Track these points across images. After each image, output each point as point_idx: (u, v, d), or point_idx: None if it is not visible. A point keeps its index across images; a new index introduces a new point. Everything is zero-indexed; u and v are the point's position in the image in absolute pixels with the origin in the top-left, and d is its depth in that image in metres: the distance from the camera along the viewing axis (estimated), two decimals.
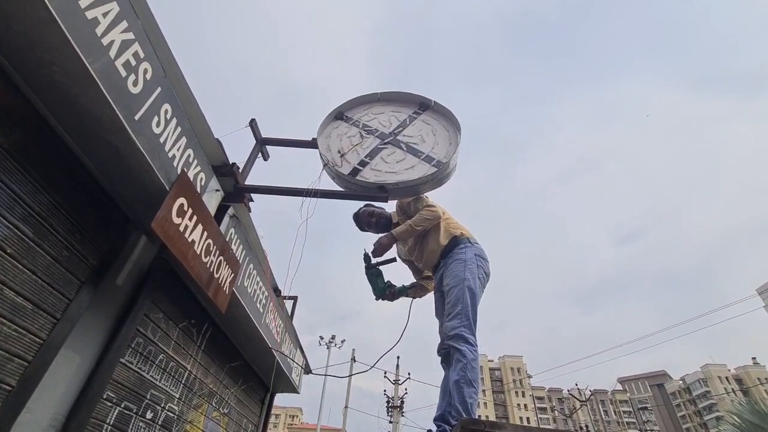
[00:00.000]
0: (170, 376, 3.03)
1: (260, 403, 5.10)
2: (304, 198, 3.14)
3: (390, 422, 20.35)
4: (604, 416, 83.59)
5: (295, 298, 6.60)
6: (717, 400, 67.18)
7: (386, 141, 3.44)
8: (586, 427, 24.93)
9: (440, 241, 2.78)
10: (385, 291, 3.01)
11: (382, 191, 3.12)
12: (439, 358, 2.52)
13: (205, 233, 2.61)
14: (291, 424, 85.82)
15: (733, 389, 68.20)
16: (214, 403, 3.79)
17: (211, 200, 2.82)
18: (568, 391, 27.71)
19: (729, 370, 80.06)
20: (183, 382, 3.23)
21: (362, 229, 3.30)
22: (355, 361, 23.66)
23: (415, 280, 3.25)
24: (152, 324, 2.79)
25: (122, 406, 2.50)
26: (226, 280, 2.97)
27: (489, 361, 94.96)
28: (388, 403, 21.15)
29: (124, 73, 1.85)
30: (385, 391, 22.29)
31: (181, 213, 2.33)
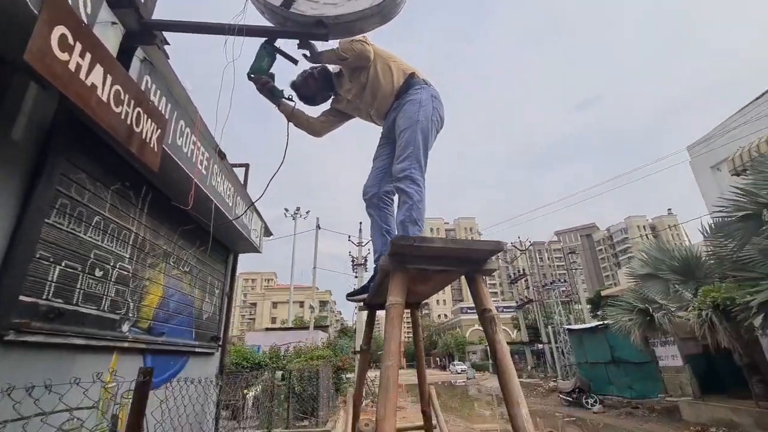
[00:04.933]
0: (113, 237, 2.96)
1: (224, 263, 5.34)
2: (228, 37, 2.66)
3: (355, 277, 22.77)
4: (539, 263, 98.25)
5: (246, 166, 6.37)
6: (632, 244, 79.31)
7: None
8: (523, 270, 29.67)
9: (394, 83, 2.53)
10: (262, 73, 2.57)
11: (320, 27, 2.68)
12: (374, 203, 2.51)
13: (110, 77, 2.21)
14: (267, 286, 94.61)
15: (647, 235, 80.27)
16: (172, 263, 3.88)
17: (108, 36, 2.32)
18: (512, 243, 31.83)
19: (647, 220, 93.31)
20: (131, 243, 3.19)
21: (309, 100, 2.85)
22: (320, 228, 24.98)
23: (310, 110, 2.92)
24: (75, 185, 2.57)
25: (63, 264, 2.45)
26: (151, 136, 2.68)
27: (445, 223, 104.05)
28: (353, 262, 23.31)
29: None
30: (350, 252, 24.32)
31: (65, 47, 1.90)
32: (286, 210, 30.40)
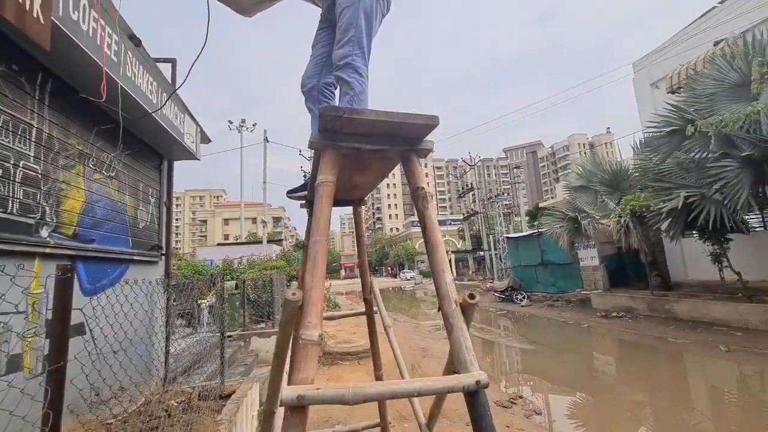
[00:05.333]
0: (7, 131, 2.54)
1: (157, 170, 4.94)
2: None
3: None
4: (487, 178, 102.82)
5: (172, 61, 5.59)
6: (572, 161, 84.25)
7: None
8: (472, 184, 30.97)
9: None
10: None
11: None
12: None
13: None
14: (217, 203, 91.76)
15: (585, 152, 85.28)
16: (92, 166, 3.49)
17: None
18: (462, 158, 32.58)
19: (587, 138, 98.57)
20: (33, 140, 2.77)
21: None
22: (268, 141, 23.72)
23: None
24: None
25: None
26: (32, 4, 2.17)
27: None
28: (305, 177, 22.88)
29: None
30: (302, 167, 23.69)
31: None
32: (230, 122, 28.28)
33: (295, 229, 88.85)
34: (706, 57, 12.10)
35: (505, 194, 32.45)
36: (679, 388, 6.90)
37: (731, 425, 5.31)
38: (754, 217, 11.58)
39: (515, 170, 36.25)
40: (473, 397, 0.97)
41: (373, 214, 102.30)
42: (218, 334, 4.90)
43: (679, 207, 9.78)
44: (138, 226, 4.32)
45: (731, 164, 9.05)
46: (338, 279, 53.69)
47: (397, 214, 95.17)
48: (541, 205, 35.08)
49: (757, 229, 11.75)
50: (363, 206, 2.38)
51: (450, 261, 45.07)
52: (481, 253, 29.02)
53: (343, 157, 1.35)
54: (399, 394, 1.00)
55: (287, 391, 0.89)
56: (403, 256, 62.70)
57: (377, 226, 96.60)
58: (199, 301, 8.77)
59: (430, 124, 1.18)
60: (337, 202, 2.30)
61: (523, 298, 17.82)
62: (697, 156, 10.57)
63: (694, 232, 10.73)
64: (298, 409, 0.89)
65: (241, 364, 7.14)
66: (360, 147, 1.23)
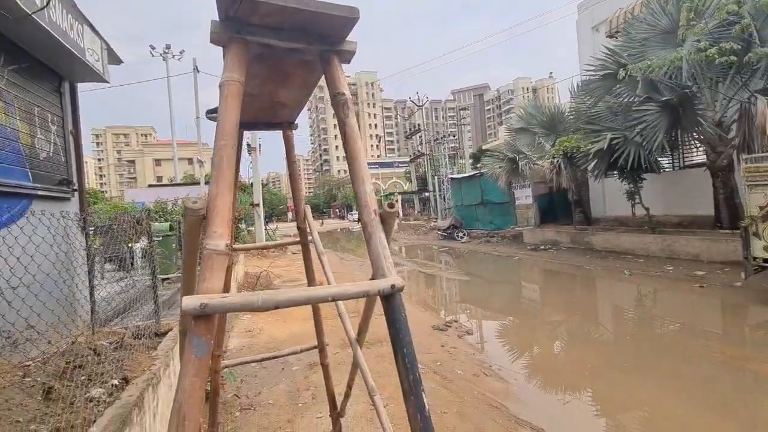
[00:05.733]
0: None
1: (56, 93, 4.23)
2: None
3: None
4: (435, 120, 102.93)
5: None
6: (515, 105, 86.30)
7: None
8: (419, 125, 30.82)
9: None
10: None
11: None
12: None
13: None
14: (145, 142, 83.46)
15: (529, 96, 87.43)
16: None
17: None
18: (410, 98, 32.04)
19: (531, 83, 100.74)
20: None
21: None
22: (198, 71, 21.38)
23: None
24: None
25: None
26: None
27: (347, 77, 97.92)
28: None
29: None
30: None
31: None
32: (152, 48, 24.85)
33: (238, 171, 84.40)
34: (644, 1, 12.42)
35: (452, 136, 32.87)
36: (590, 307, 7.94)
37: (626, 336, 6.27)
38: (665, 158, 12.86)
39: (461, 112, 36.42)
40: (389, 300, 0.98)
41: (320, 155, 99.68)
42: (151, 276, 4.66)
43: (605, 148, 10.54)
44: (38, 157, 3.77)
45: (652, 108, 9.76)
46: (285, 222, 53.01)
47: (345, 156, 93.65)
48: (484, 147, 36.15)
49: (667, 170, 13.13)
50: (293, 130, 2.23)
51: (396, 202, 45.87)
52: (427, 194, 29.84)
53: (256, 60, 1.19)
54: (313, 299, 0.98)
55: (189, 300, 0.83)
56: (351, 198, 62.87)
57: (325, 168, 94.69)
58: (130, 245, 8.22)
59: (350, 17, 1.05)
60: (264, 125, 2.13)
61: (464, 235, 18.90)
62: (625, 100, 11.24)
63: (615, 172, 11.74)
64: (202, 318, 0.84)
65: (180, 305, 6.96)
66: (271, 43, 1.08)
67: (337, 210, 70.46)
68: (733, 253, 8.02)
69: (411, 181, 35.47)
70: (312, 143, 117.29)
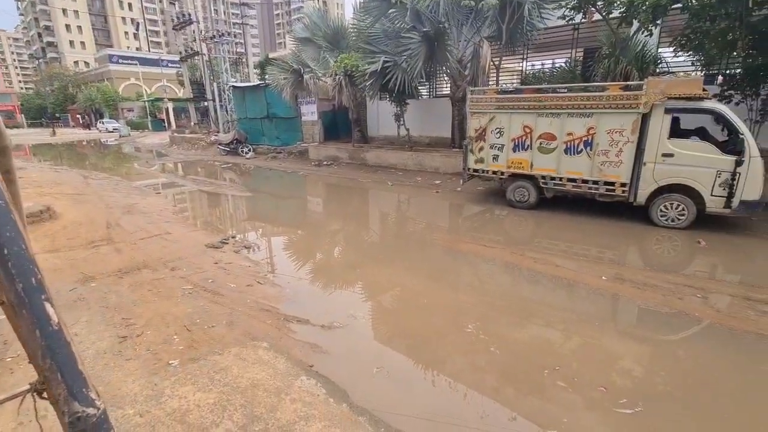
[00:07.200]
0: None
1: None
2: None
3: None
4: (214, 13, 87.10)
5: None
6: (304, 14, 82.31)
7: None
8: (190, 15, 25.09)
9: None
10: None
11: None
12: None
13: None
14: None
15: (318, 6, 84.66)
16: None
17: None
18: None
19: None
20: None
21: None
22: None
23: None
24: None
25: None
26: None
27: None
28: None
29: None
30: None
31: None
32: None
33: None
34: None
35: (234, 37, 28.72)
36: (361, 215, 9.05)
37: (389, 234, 7.52)
38: (423, 87, 15.10)
39: (244, 7, 31.75)
40: None
41: (40, 35, 70.43)
42: None
43: (378, 70, 11.39)
44: None
45: (415, 37, 10.95)
46: None
47: (83, 42, 69.16)
48: (271, 56, 33.56)
49: (424, 97, 15.53)
50: None
51: (168, 110, 38.40)
52: (205, 103, 25.97)
53: None
54: None
55: None
56: (101, 101, 48.53)
57: (50, 55, 68.04)
58: None
59: None
60: None
61: (249, 150, 17.82)
62: (397, 25, 12.17)
63: (386, 94, 13.04)
64: None
65: None
66: None
67: (78, 116, 53.59)
68: (459, 166, 10.54)
69: (185, 87, 29.87)
70: (22, 14, 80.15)
